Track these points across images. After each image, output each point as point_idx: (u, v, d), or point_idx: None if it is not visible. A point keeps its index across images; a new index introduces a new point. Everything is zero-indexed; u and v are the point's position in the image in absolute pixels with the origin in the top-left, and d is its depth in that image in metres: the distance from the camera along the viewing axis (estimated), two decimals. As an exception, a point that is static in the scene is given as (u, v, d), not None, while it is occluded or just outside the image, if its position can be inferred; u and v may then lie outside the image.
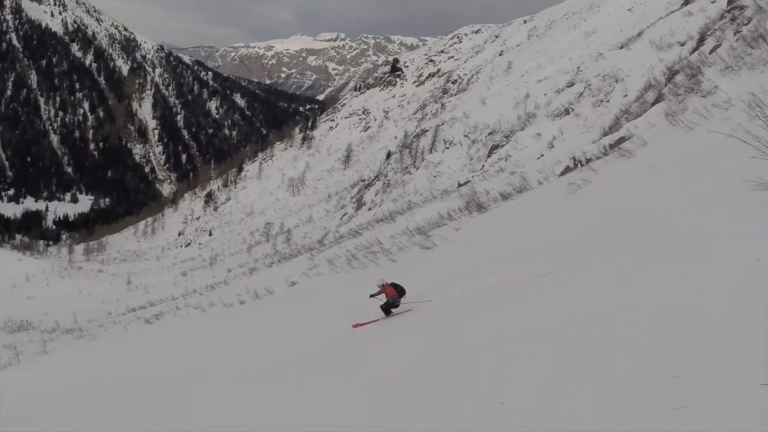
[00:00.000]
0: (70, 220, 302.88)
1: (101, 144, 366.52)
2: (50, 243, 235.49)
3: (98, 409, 16.68)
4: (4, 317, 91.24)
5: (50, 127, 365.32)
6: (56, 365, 30.40)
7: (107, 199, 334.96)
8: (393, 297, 16.79)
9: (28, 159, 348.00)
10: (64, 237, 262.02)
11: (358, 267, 32.86)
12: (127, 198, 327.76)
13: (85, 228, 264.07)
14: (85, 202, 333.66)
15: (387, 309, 16.93)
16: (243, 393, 13.52)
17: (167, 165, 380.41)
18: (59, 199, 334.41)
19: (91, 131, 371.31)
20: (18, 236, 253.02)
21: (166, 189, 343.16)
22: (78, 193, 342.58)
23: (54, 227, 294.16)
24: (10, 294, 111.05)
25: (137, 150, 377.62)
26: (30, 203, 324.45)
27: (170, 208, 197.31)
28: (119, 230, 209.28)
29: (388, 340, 14.51)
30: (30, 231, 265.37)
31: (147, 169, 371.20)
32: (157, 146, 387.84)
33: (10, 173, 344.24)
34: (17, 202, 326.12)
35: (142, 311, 72.50)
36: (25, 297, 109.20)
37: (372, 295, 17.30)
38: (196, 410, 13.08)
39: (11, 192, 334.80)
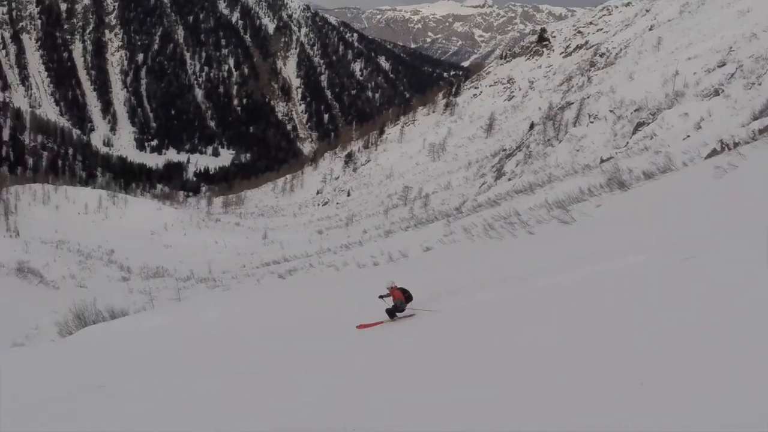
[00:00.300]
0: (211, 173, 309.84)
1: (244, 100, 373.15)
2: (190, 194, 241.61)
3: (232, 353, 17.06)
4: (141, 263, 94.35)
5: (195, 82, 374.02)
6: (189, 312, 31.07)
7: (248, 155, 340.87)
8: (400, 301, 16.76)
9: (172, 112, 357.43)
10: (203, 189, 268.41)
11: (494, 237, 32.55)
12: (267, 154, 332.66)
13: (225, 181, 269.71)
14: (226, 156, 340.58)
15: (392, 312, 16.92)
16: (369, 352, 13.57)
17: (309, 124, 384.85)
18: (201, 152, 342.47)
19: (235, 87, 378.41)
20: (159, 186, 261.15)
21: (307, 147, 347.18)
22: (220, 147, 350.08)
23: (194, 179, 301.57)
24: (148, 241, 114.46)
25: (280, 108, 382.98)
26: (172, 155, 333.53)
27: (310, 167, 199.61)
28: (258, 185, 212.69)
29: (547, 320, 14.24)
30: (171, 182, 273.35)
31: (289, 127, 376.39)
32: (300, 105, 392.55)
33: (154, 125, 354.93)
34: (160, 153, 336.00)
35: (276, 266, 73.28)
36: (163, 245, 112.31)
37: (381, 297, 17.41)
38: (325, 368, 13.14)
39: (154, 143, 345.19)
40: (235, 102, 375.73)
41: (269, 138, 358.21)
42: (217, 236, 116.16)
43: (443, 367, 10.61)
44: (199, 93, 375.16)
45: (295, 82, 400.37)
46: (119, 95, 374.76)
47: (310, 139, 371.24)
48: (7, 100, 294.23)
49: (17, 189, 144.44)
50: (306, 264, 61.93)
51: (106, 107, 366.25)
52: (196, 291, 67.10)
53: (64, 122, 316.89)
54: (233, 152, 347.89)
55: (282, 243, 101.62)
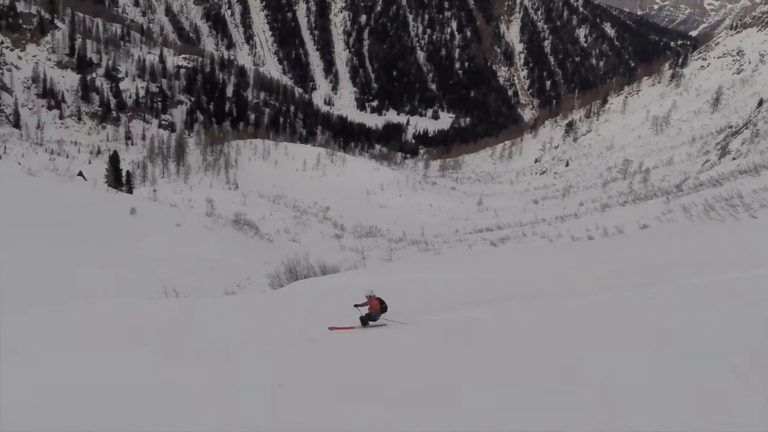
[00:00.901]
0: (429, 135, 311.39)
1: (466, 64, 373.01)
2: (407, 156, 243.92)
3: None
4: (355, 222, 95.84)
5: (417, 44, 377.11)
6: (405, 273, 30.94)
7: (467, 119, 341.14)
8: (375, 311, 17.10)
9: (394, 73, 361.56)
10: (421, 152, 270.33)
11: (715, 218, 30.90)
12: (487, 119, 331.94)
13: (443, 145, 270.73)
14: (445, 120, 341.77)
15: (365, 320, 17.18)
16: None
17: (530, 90, 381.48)
18: (420, 115, 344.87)
19: (457, 50, 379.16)
20: (377, 146, 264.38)
21: (527, 114, 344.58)
22: (439, 110, 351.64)
23: (413, 141, 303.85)
24: (364, 201, 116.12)
25: (502, 72, 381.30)
26: (392, 116, 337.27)
27: (529, 134, 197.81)
28: (476, 150, 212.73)
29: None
30: (389, 143, 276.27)
31: (510, 92, 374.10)
32: (522, 70, 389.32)
33: (375, 86, 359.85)
34: (380, 114, 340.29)
35: (489, 233, 72.96)
36: (378, 205, 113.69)
37: (356, 305, 17.58)
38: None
39: (375, 104, 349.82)
40: (457, 65, 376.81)
41: (489, 103, 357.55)
42: (432, 199, 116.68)
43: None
44: (420, 55, 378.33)
45: (518, 47, 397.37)
46: (341, 55, 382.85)
47: (530, 106, 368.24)
48: (232, 57, 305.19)
49: (238, 144, 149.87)
50: (519, 233, 61.25)
51: (328, 67, 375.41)
52: (407, 253, 67.63)
53: (286, 80, 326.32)
54: (453, 116, 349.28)
55: (496, 210, 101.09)
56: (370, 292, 17.36)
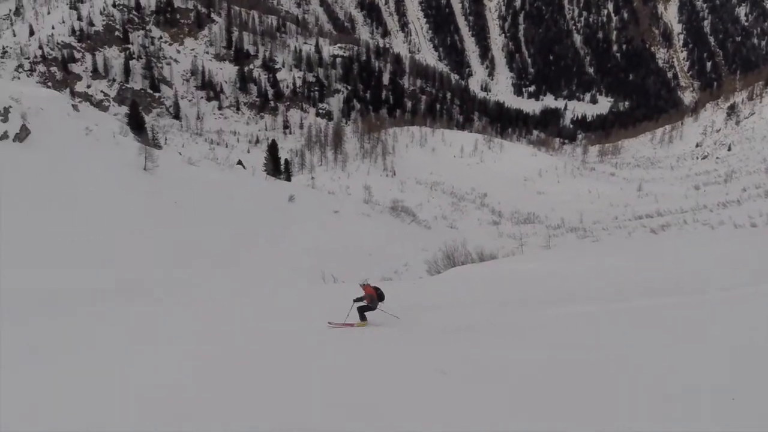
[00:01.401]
0: (588, 120, 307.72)
1: (623, 46, 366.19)
2: (565, 141, 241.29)
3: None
4: (512, 208, 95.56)
5: (573, 27, 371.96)
6: (560, 260, 30.69)
7: (626, 103, 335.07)
8: (371, 296, 17.07)
9: (550, 57, 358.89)
10: (579, 137, 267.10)
11: None
12: (646, 103, 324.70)
13: (602, 130, 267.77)
14: (603, 104, 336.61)
15: (362, 312, 17.20)
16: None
17: (690, 72, 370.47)
18: (578, 99, 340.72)
19: (614, 33, 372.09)
20: (535, 132, 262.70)
21: (687, 97, 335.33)
22: (598, 94, 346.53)
23: (570, 126, 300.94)
24: (521, 187, 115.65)
25: (660, 54, 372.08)
26: (549, 101, 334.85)
27: (690, 117, 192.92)
28: (635, 135, 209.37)
29: None
30: (547, 128, 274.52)
31: (669, 75, 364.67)
32: (681, 52, 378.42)
33: (531, 70, 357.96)
34: (537, 99, 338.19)
35: (649, 220, 71.77)
36: (535, 191, 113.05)
37: (355, 300, 17.41)
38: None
39: (531, 89, 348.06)
40: (614, 48, 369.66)
41: (648, 86, 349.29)
42: (591, 185, 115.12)
43: None
44: (577, 38, 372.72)
45: (676, 28, 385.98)
46: (497, 41, 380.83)
47: (690, 89, 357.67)
48: (387, 45, 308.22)
49: (395, 131, 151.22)
50: (680, 220, 60.07)
51: (484, 53, 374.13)
52: (565, 240, 67.10)
53: (442, 67, 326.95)
54: (611, 100, 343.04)
55: (656, 196, 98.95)
56: (364, 281, 17.84)
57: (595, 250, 37.51)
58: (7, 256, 31.20)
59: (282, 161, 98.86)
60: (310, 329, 16.39)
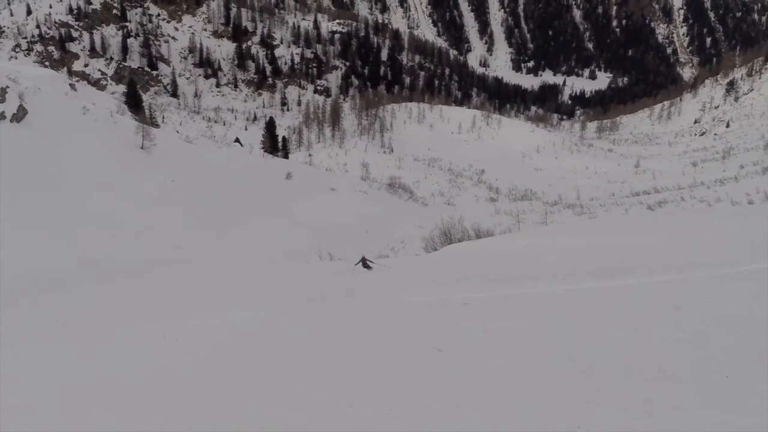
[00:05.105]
0: (586, 96, 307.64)
1: (623, 21, 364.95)
2: (563, 117, 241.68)
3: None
4: (510, 185, 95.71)
5: (573, 2, 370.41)
6: (554, 237, 30.76)
7: (625, 78, 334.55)
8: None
9: (549, 33, 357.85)
10: (577, 113, 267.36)
11: None
12: (645, 79, 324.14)
13: (600, 106, 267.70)
14: (602, 80, 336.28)
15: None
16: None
17: (690, 48, 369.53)
18: (577, 75, 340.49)
19: (614, 8, 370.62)
20: (533, 108, 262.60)
21: (687, 73, 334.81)
22: (597, 70, 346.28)
23: (569, 102, 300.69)
24: (518, 163, 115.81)
25: (660, 30, 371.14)
26: (548, 76, 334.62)
27: (689, 94, 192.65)
28: (634, 111, 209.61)
29: None
30: (545, 104, 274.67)
31: (669, 51, 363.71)
32: (681, 27, 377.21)
33: (530, 46, 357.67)
34: (535, 75, 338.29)
35: (646, 196, 72.03)
36: (533, 168, 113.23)
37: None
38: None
39: (530, 64, 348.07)
40: (614, 23, 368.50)
41: (648, 61, 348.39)
42: (588, 162, 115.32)
43: None
44: (577, 13, 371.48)
45: (677, 3, 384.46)
46: (496, 16, 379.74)
47: (690, 64, 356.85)
48: (386, 21, 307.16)
49: (393, 107, 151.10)
50: (677, 197, 60.22)
51: (483, 28, 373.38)
52: (562, 216, 67.28)
53: (441, 43, 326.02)
54: (610, 75, 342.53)
55: (654, 173, 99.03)
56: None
57: (591, 227, 37.55)
58: (7, 236, 31.29)
59: (280, 138, 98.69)
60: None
